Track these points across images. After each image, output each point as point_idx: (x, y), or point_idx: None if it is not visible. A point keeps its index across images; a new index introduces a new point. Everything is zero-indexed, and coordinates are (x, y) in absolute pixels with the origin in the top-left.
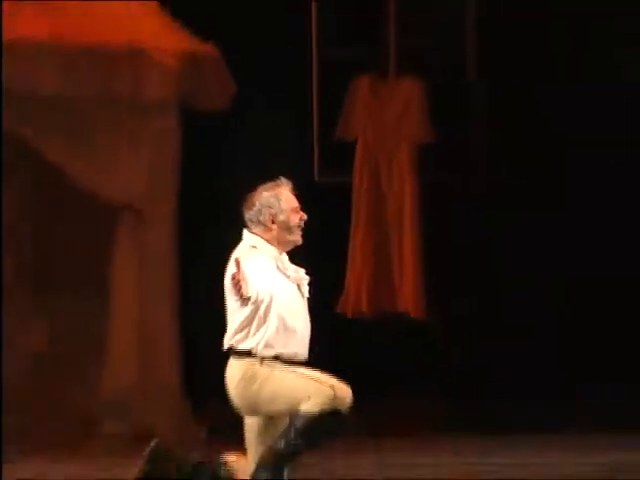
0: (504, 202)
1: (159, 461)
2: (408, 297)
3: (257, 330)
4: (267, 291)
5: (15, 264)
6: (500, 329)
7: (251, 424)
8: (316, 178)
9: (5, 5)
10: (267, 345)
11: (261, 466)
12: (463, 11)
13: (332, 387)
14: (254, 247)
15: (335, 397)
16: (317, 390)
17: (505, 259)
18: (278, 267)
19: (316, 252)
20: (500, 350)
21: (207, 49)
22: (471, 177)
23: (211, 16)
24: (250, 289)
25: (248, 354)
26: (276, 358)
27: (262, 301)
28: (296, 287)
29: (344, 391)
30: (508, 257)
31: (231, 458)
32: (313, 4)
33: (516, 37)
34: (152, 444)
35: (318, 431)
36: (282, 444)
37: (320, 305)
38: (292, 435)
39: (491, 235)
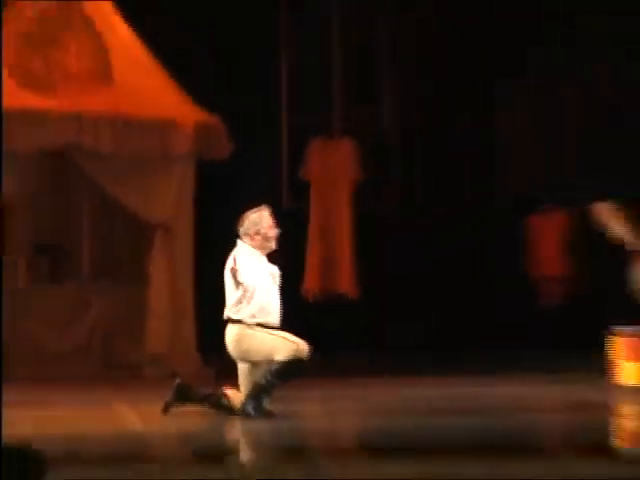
0: (411, 221)
1: (182, 392)
2: (346, 283)
3: (246, 306)
4: (253, 280)
5: (89, 260)
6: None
7: (242, 368)
8: (284, 205)
9: (73, 84)
10: (252, 316)
11: (248, 397)
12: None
13: (295, 343)
14: (244, 251)
15: (297, 350)
16: (285, 345)
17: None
18: (260, 264)
19: (285, 255)
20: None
21: (214, 120)
22: (392, 204)
23: (207, 85)
24: (242, 278)
25: (240, 322)
26: (258, 324)
27: (249, 286)
28: (272, 278)
29: (303, 346)
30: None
31: (229, 391)
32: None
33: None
34: (177, 381)
35: (286, 373)
36: (263, 381)
37: (288, 290)
38: (269, 375)
39: (411, 241)
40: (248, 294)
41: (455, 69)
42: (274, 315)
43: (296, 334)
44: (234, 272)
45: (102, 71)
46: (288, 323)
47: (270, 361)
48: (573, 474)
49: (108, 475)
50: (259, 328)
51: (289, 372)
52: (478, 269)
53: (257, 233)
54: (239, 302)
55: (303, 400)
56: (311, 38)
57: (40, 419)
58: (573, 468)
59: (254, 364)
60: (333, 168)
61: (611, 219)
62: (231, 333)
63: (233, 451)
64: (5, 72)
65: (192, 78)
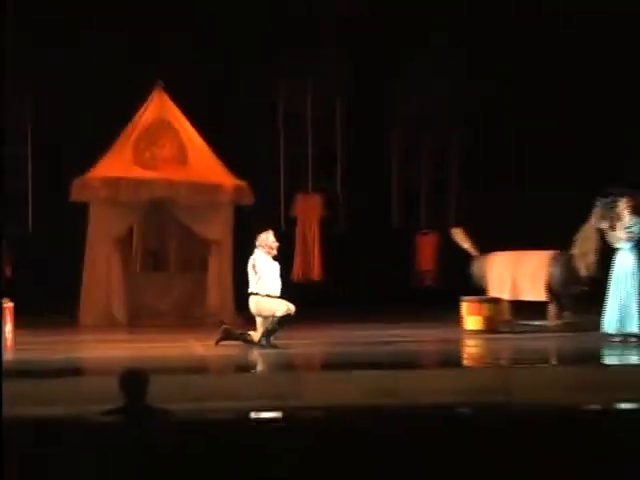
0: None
1: (226, 333)
2: (317, 272)
3: (259, 284)
4: (263, 271)
5: (174, 259)
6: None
7: (258, 320)
8: (282, 229)
9: (166, 165)
10: (263, 290)
11: (262, 335)
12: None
13: (287, 305)
14: (259, 255)
15: (289, 309)
16: (282, 306)
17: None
18: (268, 262)
19: (282, 257)
20: None
21: (243, 183)
22: (340, 229)
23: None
24: (258, 269)
25: (257, 294)
26: (267, 295)
27: (261, 274)
28: (274, 269)
29: (292, 307)
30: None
31: (251, 332)
32: (282, 160)
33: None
34: (224, 326)
35: (282, 322)
36: (270, 327)
37: (284, 275)
38: (273, 324)
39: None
40: (261, 278)
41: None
42: (276, 290)
43: (288, 300)
44: (254, 266)
45: (181, 157)
46: (284, 294)
47: (274, 315)
48: (441, 375)
49: (183, 379)
50: (267, 297)
51: (284, 321)
52: (384, 265)
53: (266, 245)
54: (256, 283)
55: (292, 338)
56: (292, 135)
57: (145, 349)
58: (440, 376)
59: (265, 317)
60: (309, 209)
61: (461, 238)
62: (252, 300)
63: (254, 365)
64: (132, 157)
65: (232, 160)
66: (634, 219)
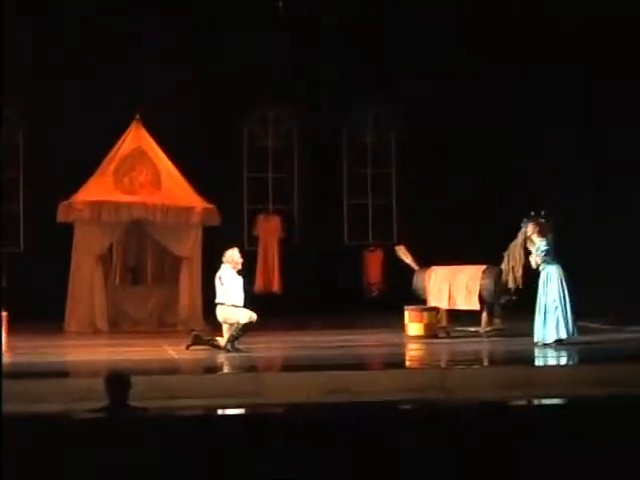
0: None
1: (196, 338)
2: (276, 285)
3: (227, 295)
4: (229, 283)
5: (151, 273)
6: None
7: (224, 327)
8: (246, 248)
9: (142, 189)
10: (228, 300)
11: (227, 341)
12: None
13: (251, 314)
14: (225, 269)
15: (251, 317)
16: (245, 314)
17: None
18: (236, 275)
19: (246, 271)
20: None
21: (211, 206)
22: (297, 247)
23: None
24: (224, 281)
25: (223, 304)
26: (232, 305)
27: (227, 286)
28: (239, 282)
29: (255, 315)
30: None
31: (218, 338)
32: (245, 187)
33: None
34: (194, 333)
35: (246, 328)
36: (234, 333)
37: (248, 288)
38: (237, 330)
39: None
40: (227, 290)
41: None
42: (240, 300)
43: (251, 309)
44: (220, 279)
45: (156, 182)
46: (248, 304)
47: (238, 322)
48: (387, 375)
49: (157, 380)
50: (232, 307)
51: (246, 328)
52: (337, 278)
53: (232, 260)
54: (222, 294)
55: (255, 343)
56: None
57: (124, 353)
58: (386, 376)
59: (230, 324)
60: (269, 229)
61: (404, 254)
62: (219, 309)
63: (220, 367)
64: (112, 182)
65: (201, 184)
66: (542, 240)
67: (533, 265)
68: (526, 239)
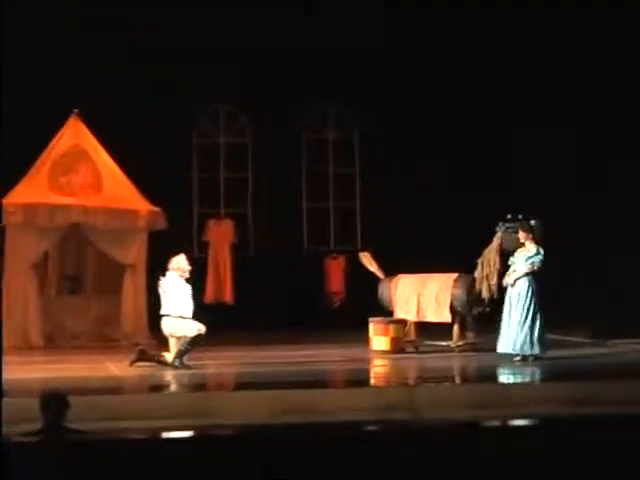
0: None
1: (141, 354)
2: (228, 295)
3: (173, 306)
4: (175, 293)
5: (91, 283)
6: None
7: (171, 341)
8: (195, 255)
9: (82, 191)
10: (175, 312)
11: (175, 356)
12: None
13: (199, 326)
14: (171, 277)
15: (200, 330)
16: (194, 327)
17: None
18: (180, 285)
19: (195, 280)
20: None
21: (157, 209)
22: (250, 254)
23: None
24: (170, 292)
25: (169, 315)
26: (179, 316)
27: (173, 296)
28: (187, 292)
29: (203, 328)
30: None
31: (165, 353)
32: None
33: None
34: (139, 348)
35: (194, 342)
36: (182, 348)
37: (197, 298)
38: (185, 344)
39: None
40: (173, 300)
41: None
42: (188, 311)
43: (200, 322)
44: (166, 288)
45: (96, 183)
46: (197, 316)
47: (185, 336)
48: (349, 394)
49: (98, 400)
50: (179, 318)
51: (195, 342)
52: (295, 287)
53: (179, 268)
54: (168, 304)
55: (205, 359)
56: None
57: (62, 370)
58: (348, 394)
59: (177, 338)
60: (221, 234)
61: (368, 261)
62: (164, 321)
63: (167, 385)
64: (47, 183)
65: (145, 185)
66: (537, 247)
67: (519, 273)
68: (501, 245)
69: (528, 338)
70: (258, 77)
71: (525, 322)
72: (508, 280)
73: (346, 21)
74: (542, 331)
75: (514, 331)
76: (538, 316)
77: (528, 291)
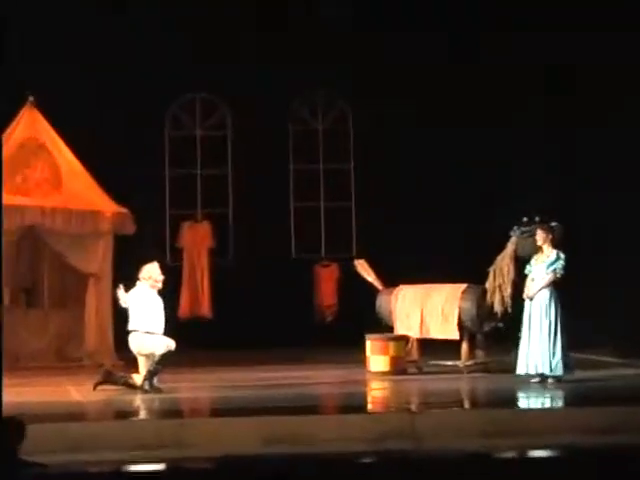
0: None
1: (106, 376)
2: (206, 308)
3: (141, 321)
4: (144, 306)
5: (48, 295)
6: None
7: (140, 360)
8: (168, 263)
9: (39, 190)
10: (142, 327)
11: (144, 379)
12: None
13: (167, 342)
14: (141, 288)
15: (168, 346)
16: (162, 343)
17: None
18: (150, 297)
19: (168, 292)
20: None
21: (123, 210)
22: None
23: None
24: (136, 304)
25: (137, 331)
26: (147, 332)
27: (141, 310)
28: (158, 305)
29: (173, 343)
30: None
31: (133, 375)
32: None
33: None
34: (104, 369)
35: (163, 360)
36: (151, 368)
37: (171, 312)
38: (154, 364)
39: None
40: (142, 314)
41: None
42: (158, 327)
43: (173, 339)
44: (135, 301)
45: (55, 181)
46: (170, 333)
47: (153, 354)
48: (344, 421)
49: (57, 428)
50: (147, 334)
51: (164, 359)
52: (282, 299)
53: (150, 277)
54: (136, 319)
55: (180, 381)
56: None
57: (17, 394)
58: (343, 421)
59: (146, 356)
60: (197, 238)
61: (364, 270)
62: (131, 337)
63: (136, 411)
64: None
65: (111, 182)
66: (558, 252)
67: (541, 283)
68: (516, 252)
69: (553, 357)
70: (238, 62)
71: (549, 339)
72: (529, 293)
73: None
74: (567, 349)
75: (537, 350)
76: (562, 332)
77: (551, 303)
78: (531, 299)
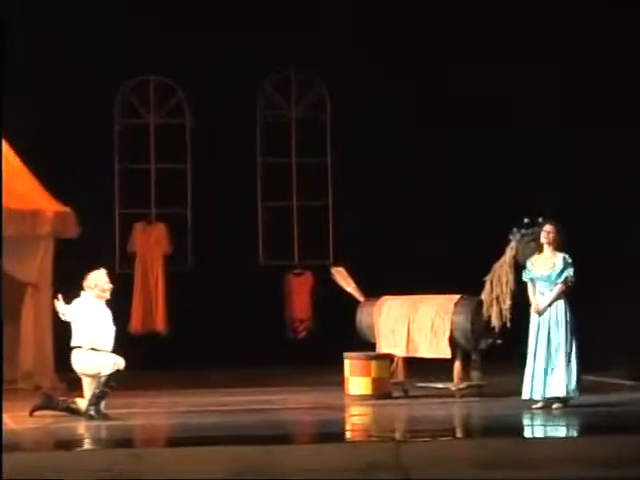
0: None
1: (44, 400)
2: (161, 322)
3: (86, 336)
4: (89, 319)
5: None
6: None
7: (85, 381)
8: (117, 270)
9: None
10: (87, 343)
11: (89, 403)
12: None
13: (116, 360)
14: (86, 299)
15: (117, 364)
16: (110, 361)
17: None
18: (96, 308)
19: (117, 303)
20: None
21: (67, 210)
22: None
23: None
24: (79, 318)
25: (80, 347)
26: (92, 349)
27: (85, 323)
28: (105, 317)
29: (122, 361)
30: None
31: (77, 399)
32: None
33: None
34: (42, 392)
35: (110, 381)
36: (97, 391)
37: (120, 326)
38: (101, 386)
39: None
40: (87, 328)
41: None
42: (105, 343)
43: (122, 356)
44: (77, 313)
45: None
46: (119, 350)
47: (99, 374)
48: (319, 451)
49: None
50: (91, 351)
51: (112, 380)
52: (249, 312)
53: (96, 286)
54: (80, 334)
55: (132, 407)
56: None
57: None
58: (319, 451)
59: (92, 377)
60: (151, 243)
61: (342, 279)
62: (74, 355)
63: (79, 441)
64: None
65: (52, 179)
66: (562, 259)
67: (552, 295)
68: (515, 258)
69: (570, 378)
70: (199, 40)
71: (565, 358)
72: (540, 308)
73: None
74: (580, 369)
75: (548, 371)
76: (577, 349)
77: (565, 317)
78: (540, 314)
